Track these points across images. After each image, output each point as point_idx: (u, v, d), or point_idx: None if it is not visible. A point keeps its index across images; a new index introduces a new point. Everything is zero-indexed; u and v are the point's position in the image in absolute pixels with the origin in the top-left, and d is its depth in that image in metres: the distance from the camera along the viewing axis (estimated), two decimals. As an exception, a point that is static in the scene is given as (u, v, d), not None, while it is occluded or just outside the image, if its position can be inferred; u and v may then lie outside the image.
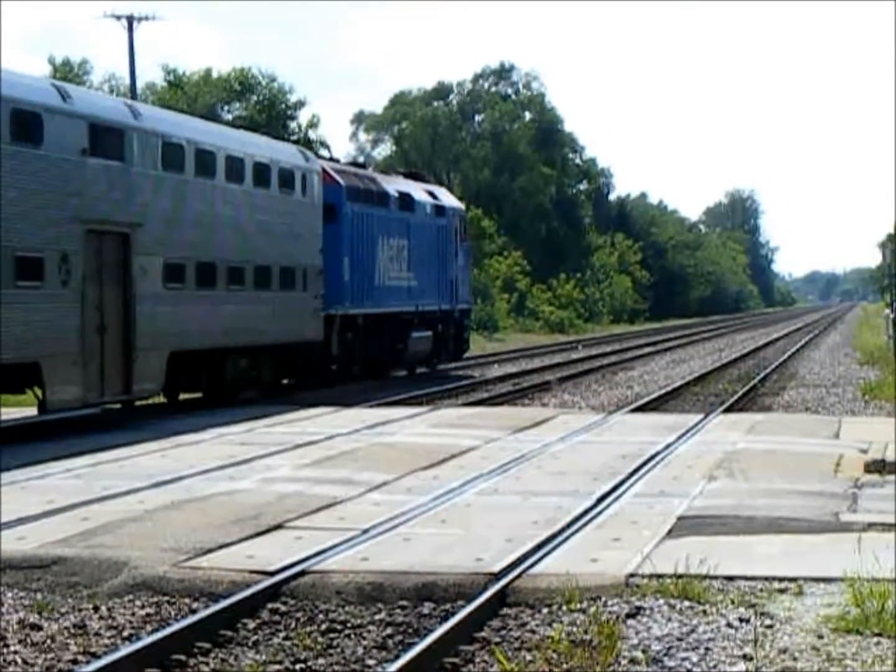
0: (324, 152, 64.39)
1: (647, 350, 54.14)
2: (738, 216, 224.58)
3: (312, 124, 71.21)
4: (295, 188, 28.34)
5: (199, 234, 24.50)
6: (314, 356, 29.54)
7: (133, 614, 9.37)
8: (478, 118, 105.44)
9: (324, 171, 30.39)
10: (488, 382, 34.46)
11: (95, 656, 8.27)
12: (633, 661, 7.96)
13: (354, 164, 38.63)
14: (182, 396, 26.00)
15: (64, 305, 20.56)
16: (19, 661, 8.22)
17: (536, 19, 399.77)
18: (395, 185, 35.74)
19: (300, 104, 71.40)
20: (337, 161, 35.83)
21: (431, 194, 38.35)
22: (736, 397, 29.09)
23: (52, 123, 20.40)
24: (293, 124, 70.84)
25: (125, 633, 8.91)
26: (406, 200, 35.38)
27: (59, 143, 20.61)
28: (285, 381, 30.27)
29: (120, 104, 24.77)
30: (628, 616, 8.89)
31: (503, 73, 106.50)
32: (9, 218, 19.27)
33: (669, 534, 11.36)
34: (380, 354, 33.68)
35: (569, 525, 11.83)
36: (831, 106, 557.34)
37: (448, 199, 40.41)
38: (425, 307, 36.11)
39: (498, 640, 8.62)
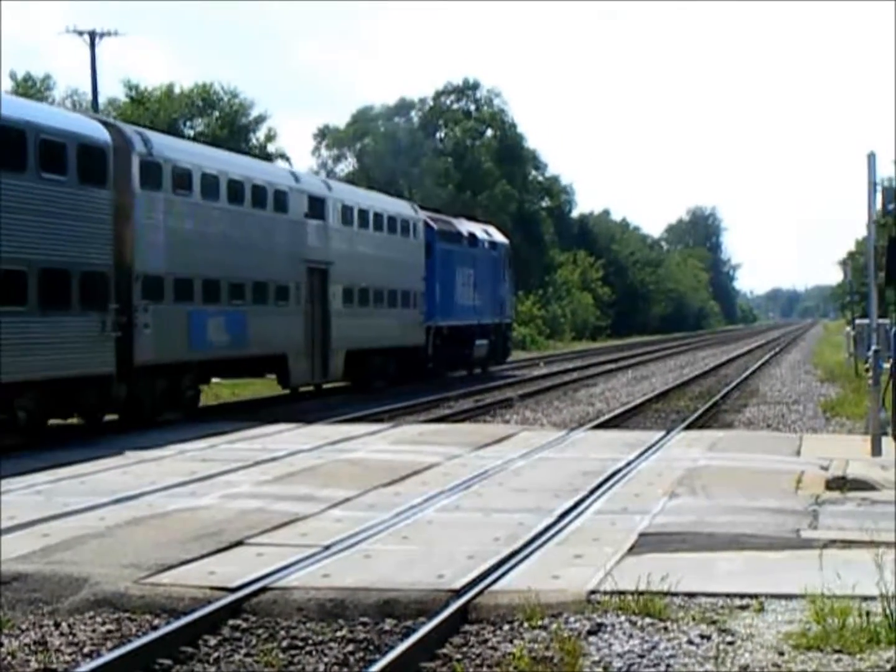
0: (284, 164, 64.85)
1: (608, 367, 54.27)
2: (700, 233, 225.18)
3: (270, 138, 72.11)
4: (409, 233, 39.68)
5: (360, 268, 35.18)
6: (417, 357, 39.95)
7: (94, 631, 9.33)
8: (439, 134, 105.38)
9: None
10: (450, 399, 34.47)
11: (55, 673, 8.23)
12: (594, 677, 7.97)
13: (437, 210, 47.22)
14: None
15: (298, 318, 31.09)
16: (-22, 678, 8.18)
17: (498, 38, 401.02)
18: (464, 226, 45.96)
19: (261, 118, 71.86)
20: (430, 210, 45.15)
21: (486, 232, 48.45)
22: (697, 414, 29.20)
23: (292, 198, 31.28)
24: (253, 138, 71.22)
25: (86, 650, 8.87)
26: (472, 238, 45.69)
27: (295, 210, 31.41)
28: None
29: (319, 181, 37.81)
30: (590, 633, 8.90)
31: (465, 89, 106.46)
32: (273, 261, 29.79)
33: (631, 550, 11.39)
34: (455, 357, 43.62)
35: (530, 542, 11.85)
36: (793, 124, 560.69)
37: (498, 235, 50.16)
38: (484, 321, 45.89)
39: (459, 656, 8.62)
